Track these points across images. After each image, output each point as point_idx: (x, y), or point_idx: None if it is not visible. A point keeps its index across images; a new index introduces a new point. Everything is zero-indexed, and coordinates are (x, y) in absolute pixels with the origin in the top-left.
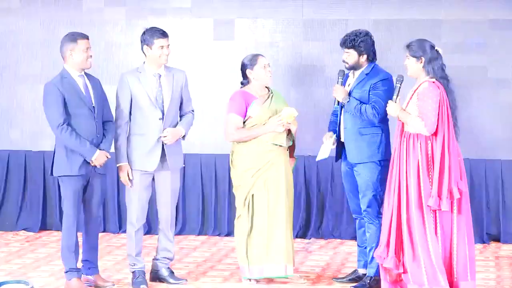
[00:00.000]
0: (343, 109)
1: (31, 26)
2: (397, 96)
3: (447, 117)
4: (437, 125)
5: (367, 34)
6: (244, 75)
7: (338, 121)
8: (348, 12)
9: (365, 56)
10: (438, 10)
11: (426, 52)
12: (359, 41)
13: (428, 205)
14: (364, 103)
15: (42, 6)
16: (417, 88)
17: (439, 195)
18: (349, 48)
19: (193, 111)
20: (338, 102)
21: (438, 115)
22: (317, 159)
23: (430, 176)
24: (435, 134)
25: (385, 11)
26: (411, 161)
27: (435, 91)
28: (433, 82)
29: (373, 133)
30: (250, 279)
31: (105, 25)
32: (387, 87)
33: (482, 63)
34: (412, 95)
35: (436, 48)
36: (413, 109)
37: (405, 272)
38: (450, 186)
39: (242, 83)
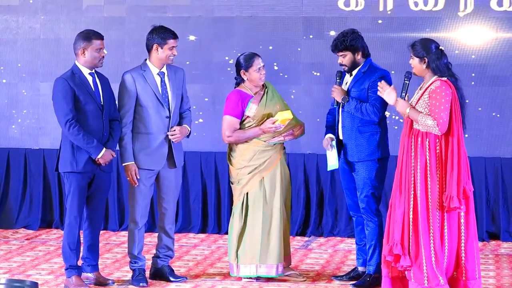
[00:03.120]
0: (341, 108)
1: (30, 23)
2: (406, 93)
3: (459, 116)
4: (451, 125)
5: (353, 31)
6: (238, 73)
7: (337, 120)
8: (346, 9)
9: (360, 53)
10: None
11: (430, 52)
12: (349, 40)
13: (451, 207)
14: (363, 101)
15: (42, 3)
16: (428, 87)
17: (458, 195)
18: (342, 50)
19: (190, 108)
20: (338, 102)
21: (451, 114)
22: (328, 169)
23: (438, 175)
24: (448, 133)
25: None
26: (419, 160)
27: (448, 90)
28: (445, 81)
29: (372, 131)
30: (249, 277)
31: (104, 23)
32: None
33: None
34: (423, 93)
35: (440, 47)
36: (423, 108)
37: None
38: (463, 185)
39: (236, 79)
